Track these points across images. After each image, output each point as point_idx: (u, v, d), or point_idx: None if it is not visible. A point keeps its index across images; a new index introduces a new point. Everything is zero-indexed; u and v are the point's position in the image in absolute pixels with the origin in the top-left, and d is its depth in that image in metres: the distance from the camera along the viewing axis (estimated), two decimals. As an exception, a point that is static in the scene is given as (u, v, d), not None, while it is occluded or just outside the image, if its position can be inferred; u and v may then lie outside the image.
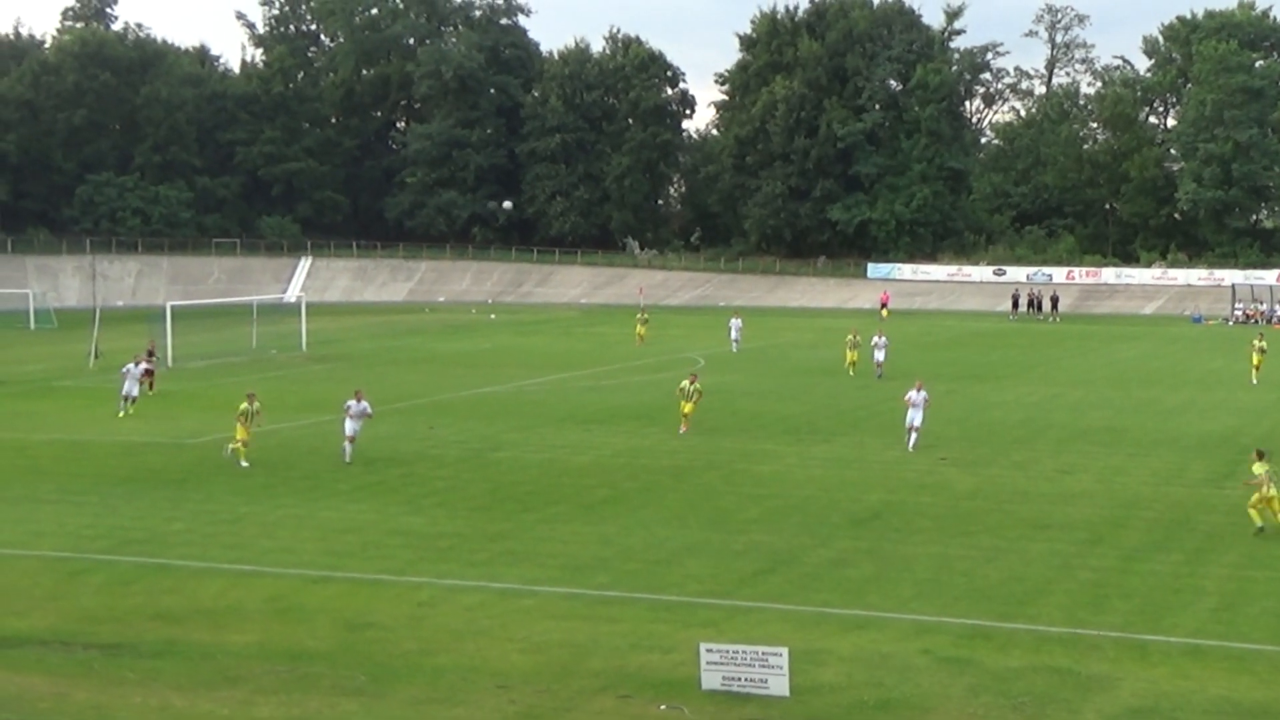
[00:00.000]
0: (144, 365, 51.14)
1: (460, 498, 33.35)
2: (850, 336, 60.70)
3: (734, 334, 71.92)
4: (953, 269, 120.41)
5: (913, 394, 40.53)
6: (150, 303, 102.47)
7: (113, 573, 26.58)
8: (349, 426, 37.73)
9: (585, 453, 39.74)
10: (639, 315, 75.92)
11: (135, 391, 47.97)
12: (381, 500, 33.22)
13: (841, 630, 22.72)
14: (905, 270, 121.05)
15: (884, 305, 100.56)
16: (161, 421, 46.12)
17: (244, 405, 38.14)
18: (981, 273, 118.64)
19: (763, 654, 19.61)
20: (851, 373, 57.57)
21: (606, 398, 51.88)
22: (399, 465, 37.64)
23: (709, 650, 19.92)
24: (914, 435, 39.79)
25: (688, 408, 42.78)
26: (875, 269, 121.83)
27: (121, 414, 46.76)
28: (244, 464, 37.10)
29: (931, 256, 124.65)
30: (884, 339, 58.51)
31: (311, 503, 32.89)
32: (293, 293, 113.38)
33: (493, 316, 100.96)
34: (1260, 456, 30.24)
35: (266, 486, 34.82)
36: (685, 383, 43.56)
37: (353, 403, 38.01)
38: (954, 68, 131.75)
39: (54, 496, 33.73)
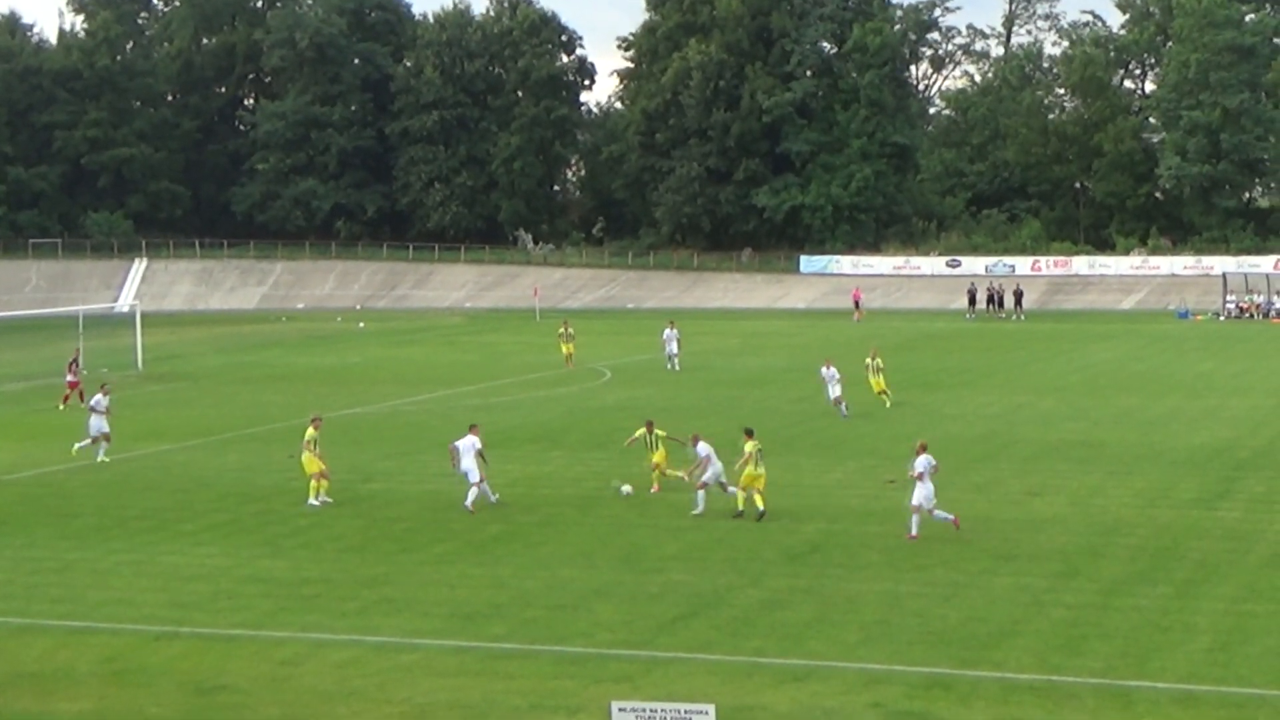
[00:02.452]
0: (68, 378, 56.14)
1: (327, 537, 33.18)
2: (870, 360, 53.82)
3: (671, 348, 66.64)
4: (899, 261, 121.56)
5: (824, 370, 46.43)
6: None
7: (-85, 634, 26.22)
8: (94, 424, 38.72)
9: (475, 482, 39.62)
10: (561, 330, 69.10)
11: (105, 426, 44.12)
12: (234, 542, 32.98)
13: (777, 682, 22.84)
14: (844, 263, 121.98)
15: (857, 305, 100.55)
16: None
17: (311, 432, 37.12)
18: (933, 264, 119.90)
19: (685, 712, 19.63)
20: (887, 403, 52.82)
21: (498, 417, 51.76)
22: (254, 500, 37.38)
23: (622, 710, 19.93)
24: (843, 405, 45.04)
25: (657, 457, 38.23)
26: (809, 262, 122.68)
27: (102, 457, 43.25)
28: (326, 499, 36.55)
29: (874, 247, 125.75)
30: (833, 370, 51.64)
31: (151, 546, 32.60)
32: (125, 301, 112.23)
33: (361, 325, 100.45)
34: (750, 435, 35.00)
35: (98, 528, 34.47)
36: (640, 432, 38.81)
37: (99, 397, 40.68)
38: (897, 27, 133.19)
39: None
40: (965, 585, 28.15)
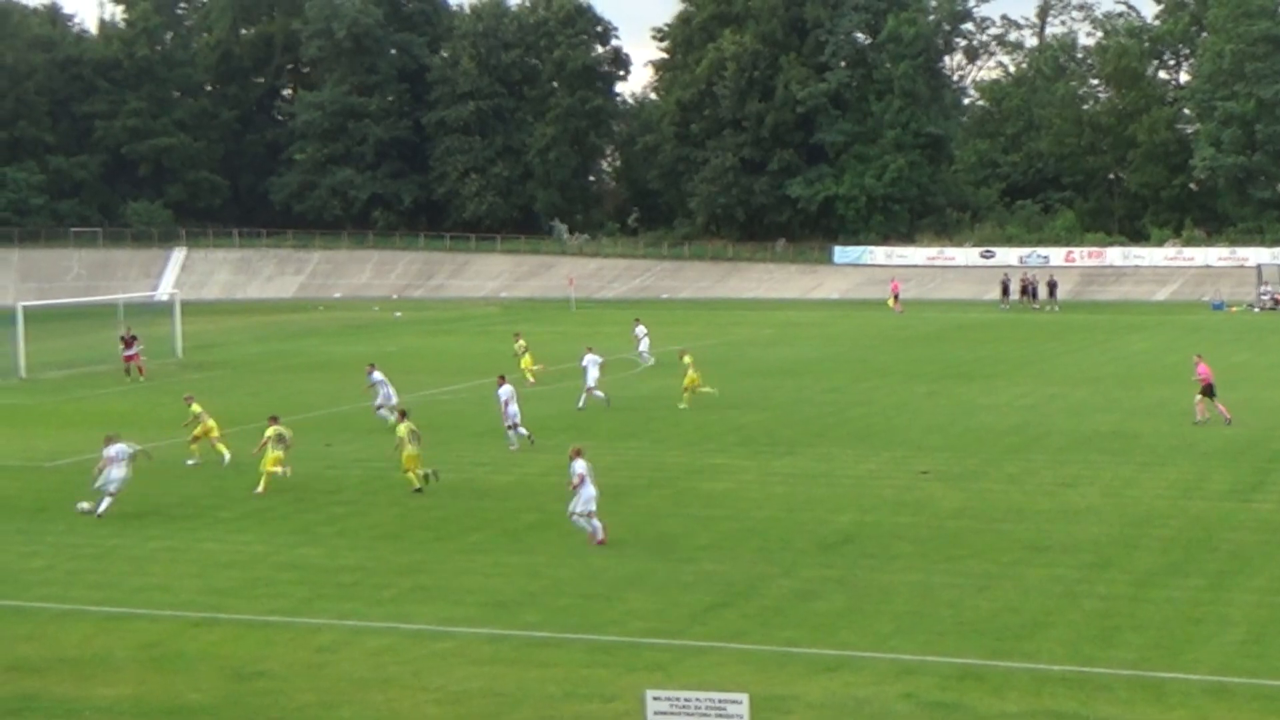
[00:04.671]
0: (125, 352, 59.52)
1: (364, 525, 33.30)
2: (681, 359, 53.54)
3: (641, 345, 65.17)
4: (933, 251, 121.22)
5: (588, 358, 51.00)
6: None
7: (-42, 619, 26.44)
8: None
9: (509, 471, 39.78)
10: (516, 345, 61.17)
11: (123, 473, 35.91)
12: (270, 529, 33.15)
13: (810, 672, 22.84)
14: (878, 254, 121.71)
15: (895, 296, 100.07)
16: (14, 442, 45.78)
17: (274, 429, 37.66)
18: (967, 255, 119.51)
19: (719, 701, 19.60)
20: (683, 404, 51.23)
21: (532, 407, 51.65)
22: (290, 488, 37.47)
23: (656, 698, 19.91)
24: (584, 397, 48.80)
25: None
26: (843, 253, 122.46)
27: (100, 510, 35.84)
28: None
29: (908, 237, 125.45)
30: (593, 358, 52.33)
31: (190, 533, 32.79)
32: (164, 289, 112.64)
33: (398, 314, 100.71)
34: (403, 416, 37.53)
35: (138, 516, 34.65)
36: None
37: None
38: (931, 17, 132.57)
39: (-113, 532, 33.48)
40: (998, 576, 28.08)
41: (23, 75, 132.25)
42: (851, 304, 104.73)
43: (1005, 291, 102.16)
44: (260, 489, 37.14)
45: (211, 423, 41.90)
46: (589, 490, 31.20)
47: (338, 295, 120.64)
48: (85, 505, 35.32)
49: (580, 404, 51.56)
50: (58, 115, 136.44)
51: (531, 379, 57.03)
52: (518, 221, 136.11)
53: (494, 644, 24.52)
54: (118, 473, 35.15)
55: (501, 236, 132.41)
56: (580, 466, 31.36)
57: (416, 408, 51.42)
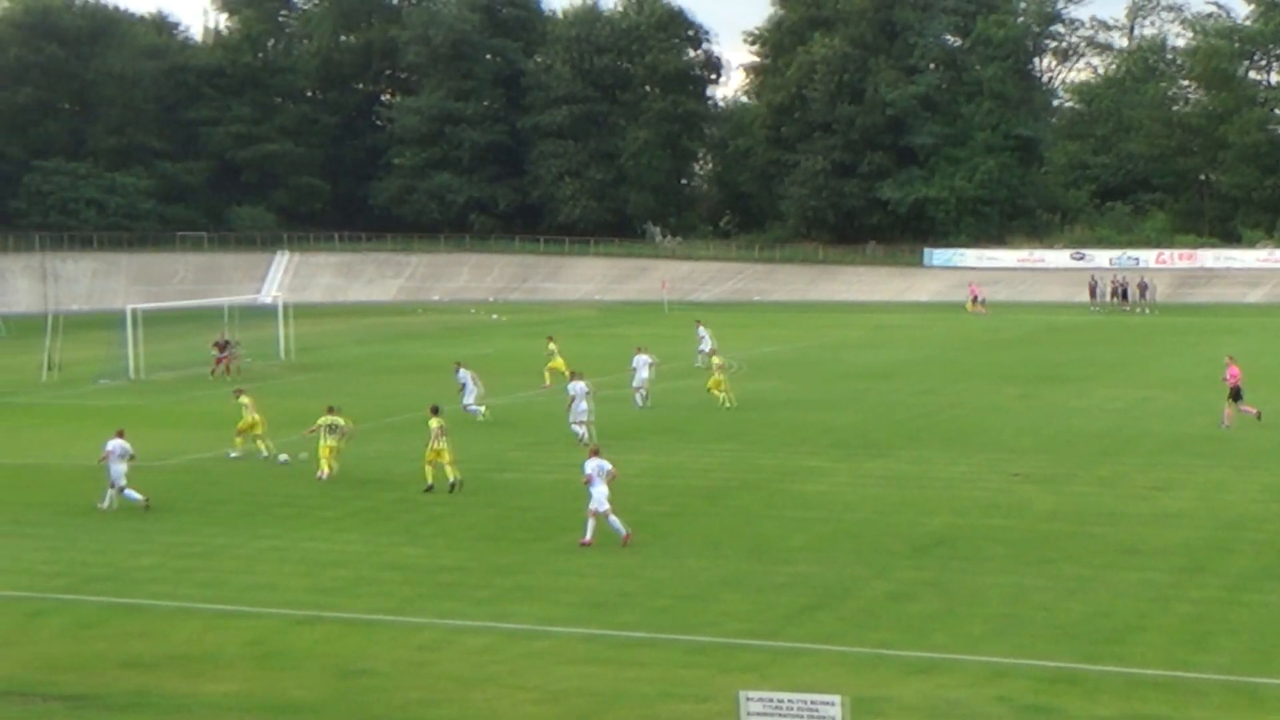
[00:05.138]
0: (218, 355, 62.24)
1: (463, 525, 33.49)
2: (638, 353, 53.71)
3: (703, 345, 64.43)
4: (1024, 253, 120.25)
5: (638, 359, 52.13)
6: (109, 306, 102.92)
7: (75, 614, 26.84)
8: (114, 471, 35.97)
9: (605, 472, 39.82)
10: (549, 347, 60.65)
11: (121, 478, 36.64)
12: (374, 529, 33.40)
13: (903, 674, 22.76)
14: (969, 256, 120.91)
15: (975, 299, 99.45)
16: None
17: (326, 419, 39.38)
18: (1058, 257, 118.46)
19: (813, 703, 19.58)
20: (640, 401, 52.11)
21: (628, 409, 51.93)
22: (393, 489, 37.79)
23: (750, 699, 19.91)
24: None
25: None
26: (934, 255, 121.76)
27: (105, 505, 36.44)
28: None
29: (999, 239, 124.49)
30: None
31: (295, 532, 33.12)
32: (269, 292, 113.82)
33: (495, 317, 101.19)
34: (435, 412, 37.68)
35: (244, 515, 35.08)
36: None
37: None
38: (1021, 19, 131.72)
39: (7, 528, 34.12)
40: (1091, 580, 27.83)
41: (132, 83, 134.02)
42: (943, 306, 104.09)
43: (1094, 293, 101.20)
44: (322, 474, 38.67)
45: (258, 417, 42.97)
46: (598, 489, 31.28)
47: (436, 298, 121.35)
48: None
49: (640, 403, 52.05)
50: (165, 122, 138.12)
51: (548, 382, 56.84)
52: (612, 225, 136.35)
53: (590, 644, 24.60)
54: (120, 467, 36.06)
55: (596, 240, 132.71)
56: (590, 466, 31.59)
57: (514, 409, 51.80)
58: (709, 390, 52.54)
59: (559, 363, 57.85)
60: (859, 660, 23.41)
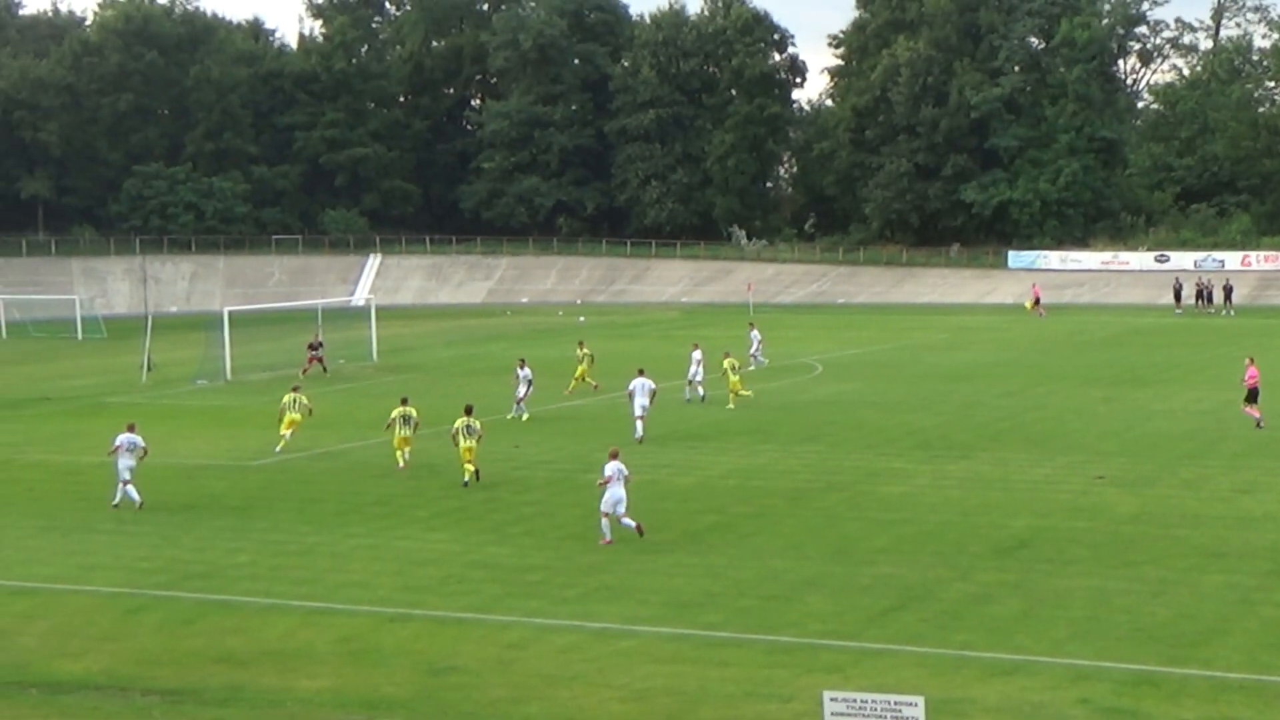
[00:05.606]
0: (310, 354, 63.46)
1: (550, 525, 33.66)
2: (579, 350, 58.34)
3: (754, 347, 65.15)
4: (1107, 256, 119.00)
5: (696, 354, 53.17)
6: (206, 308, 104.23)
7: (172, 610, 27.24)
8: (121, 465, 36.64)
9: (690, 473, 39.91)
10: (580, 352, 59.71)
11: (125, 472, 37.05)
12: (463, 529, 33.63)
13: (985, 676, 22.66)
14: (1052, 258, 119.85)
15: (1037, 302, 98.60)
16: (221, 441, 46.98)
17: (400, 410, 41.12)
18: (1141, 259, 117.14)
19: (895, 704, 19.53)
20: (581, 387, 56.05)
21: (714, 411, 52.00)
22: (481, 489, 38.03)
23: (833, 699, 19.89)
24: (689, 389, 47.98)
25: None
26: (1017, 257, 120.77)
27: (116, 502, 37.05)
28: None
29: (1082, 242, 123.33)
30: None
31: (386, 531, 33.41)
32: (361, 294, 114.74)
33: (582, 319, 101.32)
34: (468, 412, 38.55)
35: (337, 514, 35.42)
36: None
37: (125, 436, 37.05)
38: (1105, 21, 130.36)
39: (108, 526, 34.69)
40: (1174, 582, 27.59)
41: (228, 89, 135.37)
42: (1025, 309, 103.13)
43: (1178, 297, 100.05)
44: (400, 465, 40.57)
45: (298, 416, 44.37)
46: (612, 493, 31.52)
47: (524, 300, 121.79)
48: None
49: (692, 396, 54.02)
50: (260, 127, 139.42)
51: (571, 387, 56.67)
52: (697, 227, 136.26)
53: (675, 643, 24.66)
54: (128, 461, 36.61)
55: (681, 242, 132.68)
56: (609, 469, 31.76)
57: (599, 410, 51.90)
58: (732, 393, 52.76)
59: (583, 370, 57.56)
60: (941, 662, 23.33)
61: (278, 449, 44.16)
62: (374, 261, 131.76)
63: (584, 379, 57.00)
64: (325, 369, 65.45)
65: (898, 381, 59.70)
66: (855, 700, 19.62)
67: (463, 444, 38.35)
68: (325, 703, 22.19)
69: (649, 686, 22.52)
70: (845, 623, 25.53)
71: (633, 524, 31.55)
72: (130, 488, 36.56)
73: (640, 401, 45.78)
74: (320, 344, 66.74)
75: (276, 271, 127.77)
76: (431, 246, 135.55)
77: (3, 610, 27.56)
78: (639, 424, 45.64)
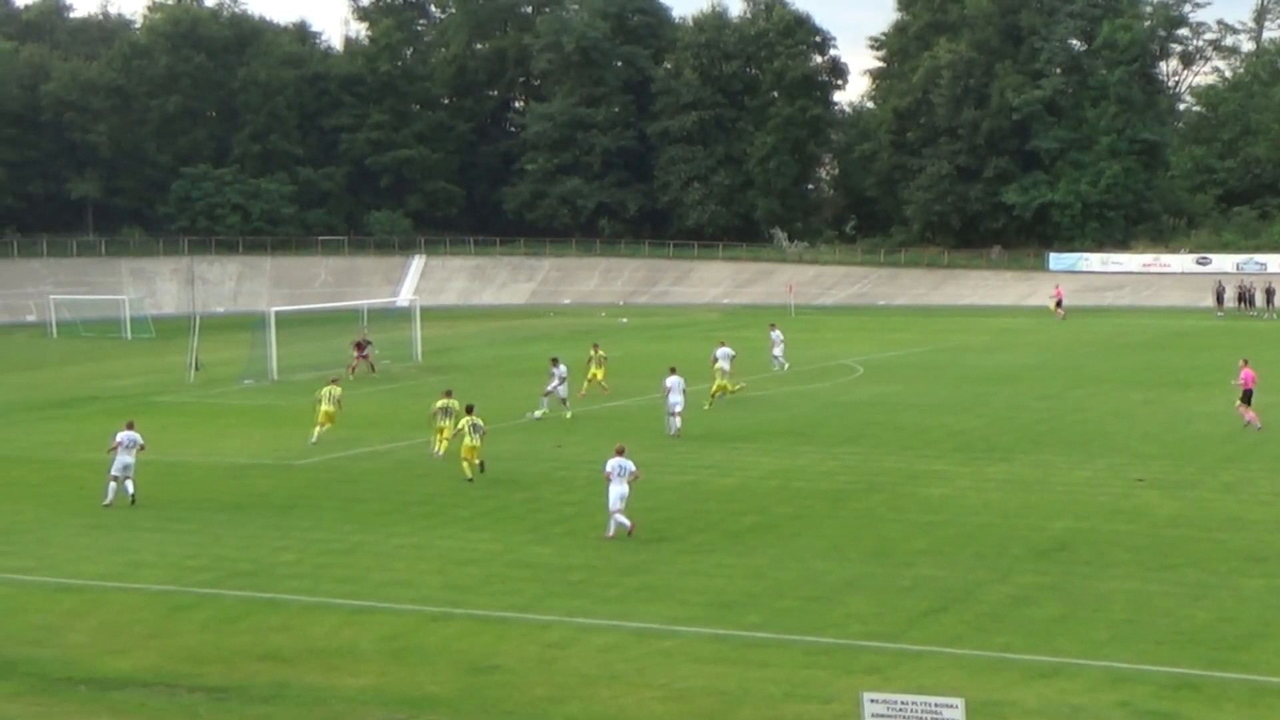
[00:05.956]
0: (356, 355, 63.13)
1: (591, 525, 33.64)
2: (592, 352, 57.67)
3: (776, 349, 64.51)
4: (1148, 258, 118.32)
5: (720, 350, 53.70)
6: (252, 308, 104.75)
7: (218, 608, 27.39)
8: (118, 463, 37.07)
9: (731, 474, 39.88)
10: (595, 354, 58.33)
11: (129, 463, 37.49)
12: (505, 528, 33.70)
13: (1025, 678, 22.58)
14: (1093, 260, 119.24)
15: (1058, 303, 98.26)
16: (267, 441, 47.21)
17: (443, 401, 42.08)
18: (1182, 262, 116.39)
19: (935, 705, 19.49)
20: (599, 391, 55.54)
21: (754, 412, 51.97)
22: (523, 488, 38.11)
23: (873, 701, 19.86)
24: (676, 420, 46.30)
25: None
26: (1058, 259, 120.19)
27: (108, 501, 37.22)
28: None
29: (1123, 244, 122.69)
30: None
31: (429, 531, 33.51)
32: (405, 295, 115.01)
33: (624, 320, 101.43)
34: (470, 410, 39.23)
35: (381, 513, 35.54)
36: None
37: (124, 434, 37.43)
38: (1146, 23, 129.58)
39: (154, 524, 34.86)
40: (1215, 586, 27.43)
41: (274, 91, 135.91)
42: (1067, 310, 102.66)
43: (1219, 299, 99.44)
44: (437, 453, 41.95)
45: (331, 409, 45.43)
46: (614, 489, 32.17)
47: (566, 302, 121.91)
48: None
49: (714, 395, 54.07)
50: (306, 129, 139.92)
51: (585, 390, 56.09)
52: (739, 229, 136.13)
53: (716, 643, 24.66)
54: (125, 458, 36.93)
55: (723, 244, 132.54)
56: (610, 465, 32.53)
57: (640, 410, 51.89)
58: (728, 391, 52.86)
59: (599, 372, 56.99)
60: (981, 664, 23.26)
61: (312, 440, 44.79)
62: (418, 262, 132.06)
63: (597, 381, 56.53)
64: (373, 368, 65.68)
65: (938, 383, 59.52)
66: (895, 702, 19.59)
67: (466, 443, 38.90)
68: (369, 700, 22.28)
69: (689, 686, 22.53)
70: (885, 624, 25.48)
71: (626, 523, 32.17)
72: (128, 483, 37.05)
73: (674, 399, 46.58)
74: (368, 343, 66.90)
75: (322, 272, 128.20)
76: (475, 248, 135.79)
77: (52, 607, 27.78)
78: (673, 420, 46.27)
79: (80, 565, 30.87)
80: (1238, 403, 46.11)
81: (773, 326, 66.76)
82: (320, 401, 45.67)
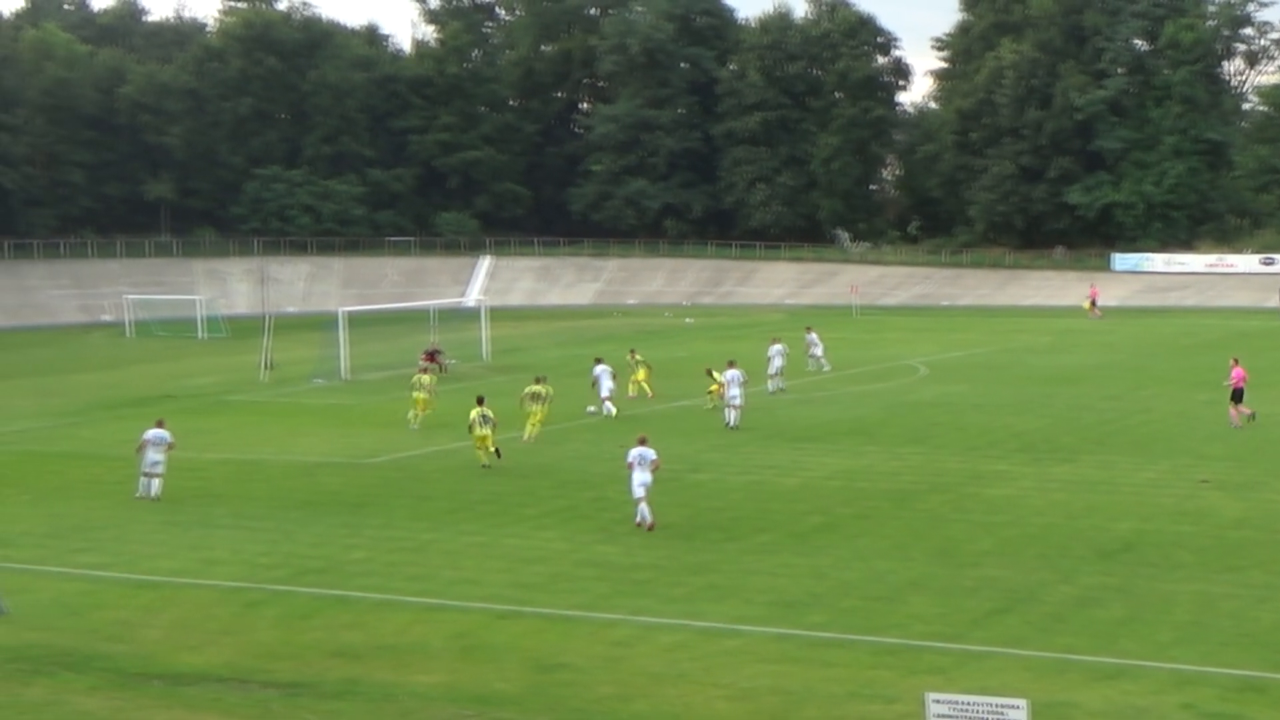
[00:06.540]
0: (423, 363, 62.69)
1: (657, 524, 33.66)
2: (630, 358, 58.03)
3: (815, 349, 64.52)
4: (1213, 258, 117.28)
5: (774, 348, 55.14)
6: (323, 308, 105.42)
7: (290, 605, 27.58)
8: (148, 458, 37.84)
9: (795, 474, 39.81)
10: (632, 359, 58.37)
11: (158, 460, 37.93)
12: (572, 527, 33.77)
13: (1089, 680, 22.43)
14: (1157, 261, 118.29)
15: (1093, 303, 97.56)
16: (338, 440, 47.51)
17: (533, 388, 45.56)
18: (1247, 262, 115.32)
19: (998, 706, 19.41)
20: (648, 393, 55.83)
21: (818, 411, 51.88)
22: (590, 488, 38.17)
23: (937, 701, 19.79)
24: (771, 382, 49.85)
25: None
26: (1122, 260, 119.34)
27: (155, 494, 37.85)
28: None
29: (1187, 244, 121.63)
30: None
31: (497, 529, 33.62)
32: (473, 295, 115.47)
33: (689, 320, 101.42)
34: (480, 401, 41.27)
35: (450, 511, 35.70)
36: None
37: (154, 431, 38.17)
38: (1210, 23, 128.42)
39: (228, 521, 35.17)
40: (1280, 588, 27.18)
41: (344, 93, 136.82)
42: (1130, 311, 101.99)
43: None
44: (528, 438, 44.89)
45: (422, 396, 49.10)
46: (636, 476, 32.99)
47: (632, 302, 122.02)
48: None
49: (771, 389, 55.86)
50: (376, 131, 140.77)
51: (634, 392, 56.25)
52: (802, 230, 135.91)
53: (781, 643, 24.63)
54: (154, 455, 37.58)
55: (787, 244, 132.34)
56: (632, 454, 33.29)
57: (707, 411, 51.80)
58: (710, 394, 52.80)
59: (643, 374, 57.16)
60: (1045, 665, 23.12)
61: (413, 426, 48.67)
62: (486, 263, 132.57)
63: (640, 384, 56.66)
64: (443, 368, 66.00)
65: (1002, 384, 59.20)
66: (958, 702, 19.51)
67: (477, 432, 40.79)
68: (438, 697, 22.37)
69: (754, 686, 22.51)
70: (949, 625, 25.38)
71: (649, 518, 32.87)
72: (155, 481, 37.57)
73: (732, 392, 48.05)
74: (439, 351, 67.19)
75: (391, 273, 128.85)
76: (541, 248, 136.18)
77: (128, 603, 28.06)
78: (731, 413, 47.80)
79: (156, 562, 31.18)
80: (1230, 402, 46.39)
81: (809, 330, 66.64)
82: (413, 389, 49.56)
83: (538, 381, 46.46)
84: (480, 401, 41.63)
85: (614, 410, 51.21)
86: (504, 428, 42.47)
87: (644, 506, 32.90)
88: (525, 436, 45.00)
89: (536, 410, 45.55)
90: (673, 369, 62.77)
